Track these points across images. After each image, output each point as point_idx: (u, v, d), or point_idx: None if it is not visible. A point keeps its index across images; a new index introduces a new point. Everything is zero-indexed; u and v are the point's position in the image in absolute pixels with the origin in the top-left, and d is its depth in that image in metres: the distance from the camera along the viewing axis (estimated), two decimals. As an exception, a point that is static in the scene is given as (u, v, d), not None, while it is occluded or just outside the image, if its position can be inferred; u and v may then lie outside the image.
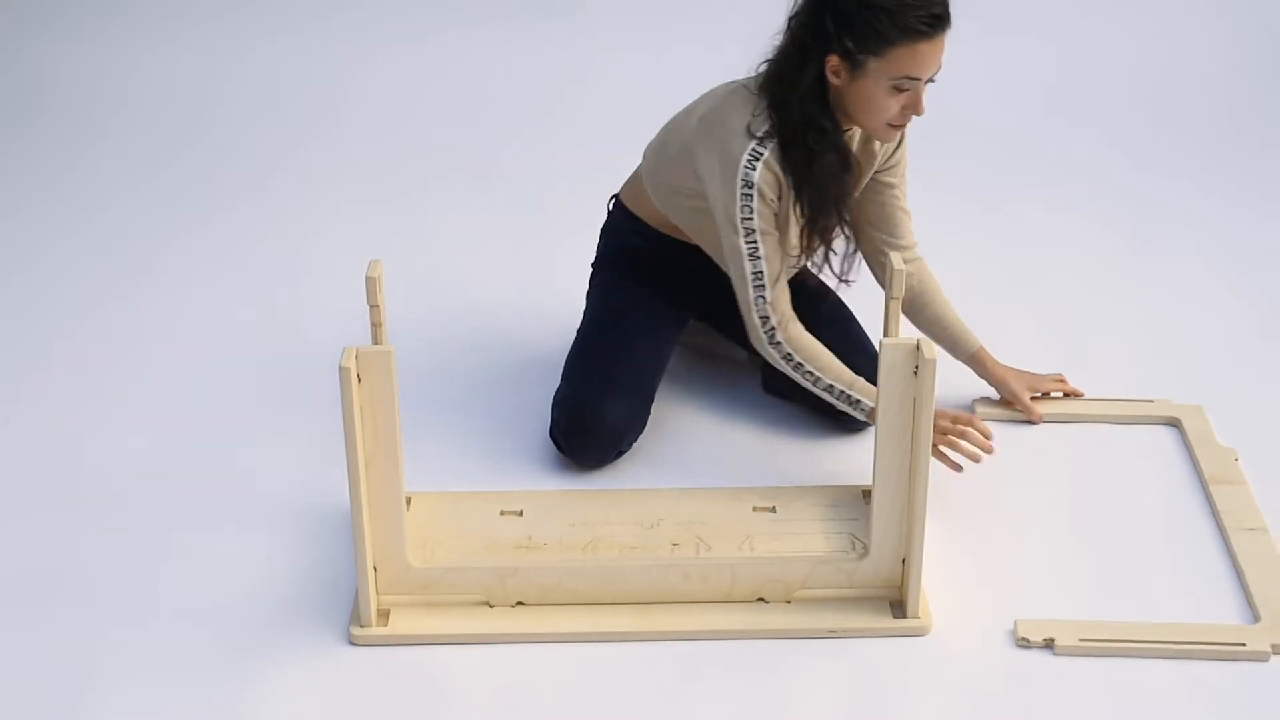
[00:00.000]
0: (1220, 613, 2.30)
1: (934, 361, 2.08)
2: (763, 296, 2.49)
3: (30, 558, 2.43)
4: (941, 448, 2.49)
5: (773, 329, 2.51)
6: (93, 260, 3.46)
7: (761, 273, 2.48)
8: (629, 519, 2.41)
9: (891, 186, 2.66)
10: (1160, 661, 2.18)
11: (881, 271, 2.71)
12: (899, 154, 2.64)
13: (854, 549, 2.34)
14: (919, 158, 2.65)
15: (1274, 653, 2.20)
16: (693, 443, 2.71)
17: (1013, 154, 3.99)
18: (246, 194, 3.82)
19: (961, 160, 3.94)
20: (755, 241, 2.46)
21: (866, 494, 2.46)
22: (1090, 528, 2.49)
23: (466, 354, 3.01)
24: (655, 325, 2.73)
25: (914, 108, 2.39)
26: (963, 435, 2.49)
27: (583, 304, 2.83)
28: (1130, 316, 3.16)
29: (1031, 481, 2.61)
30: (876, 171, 2.64)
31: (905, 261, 2.69)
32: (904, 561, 2.24)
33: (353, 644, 2.22)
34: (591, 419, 2.59)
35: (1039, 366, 2.94)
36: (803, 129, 2.41)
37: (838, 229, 2.53)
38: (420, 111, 4.23)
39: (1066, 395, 2.82)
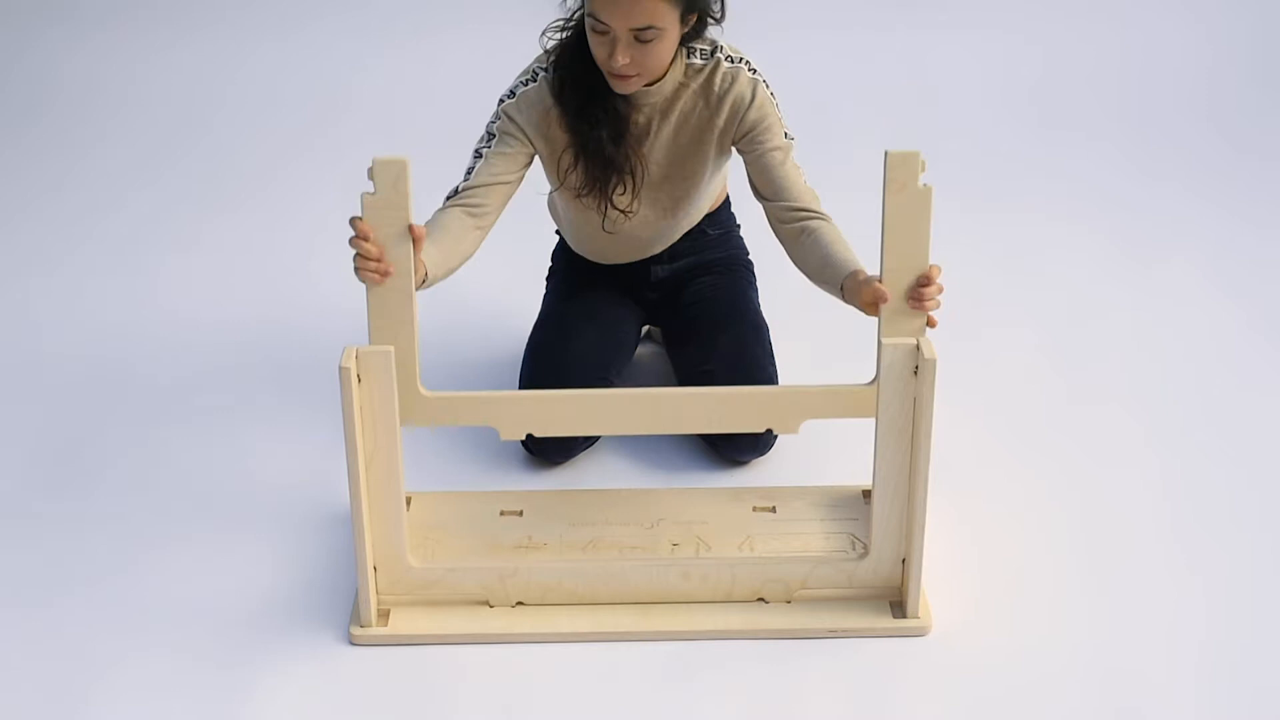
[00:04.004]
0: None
1: (934, 361, 2.08)
2: (455, 190, 2.48)
3: (30, 557, 2.43)
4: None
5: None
6: (93, 260, 3.47)
7: (470, 169, 2.48)
8: (629, 519, 2.41)
9: (770, 151, 2.48)
10: (1161, 663, 2.18)
11: (786, 241, 2.48)
12: (752, 118, 2.48)
13: (854, 549, 2.34)
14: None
15: None
16: (691, 442, 2.71)
17: (1007, 160, 3.98)
18: (247, 194, 3.83)
19: (958, 165, 3.93)
20: (482, 145, 2.49)
21: (866, 494, 2.46)
22: (1090, 526, 2.48)
23: (467, 353, 3.01)
24: (598, 308, 2.75)
25: (611, 56, 2.35)
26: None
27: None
28: (1125, 322, 3.15)
29: (1032, 481, 2.61)
30: (739, 142, 2.51)
31: (800, 220, 2.44)
32: (904, 561, 2.23)
33: (353, 644, 2.22)
34: None
35: (1037, 370, 2.94)
36: (564, 57, 2.45)
37: (616, 179, 2.51)
38: (420, 111, 4.23)
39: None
